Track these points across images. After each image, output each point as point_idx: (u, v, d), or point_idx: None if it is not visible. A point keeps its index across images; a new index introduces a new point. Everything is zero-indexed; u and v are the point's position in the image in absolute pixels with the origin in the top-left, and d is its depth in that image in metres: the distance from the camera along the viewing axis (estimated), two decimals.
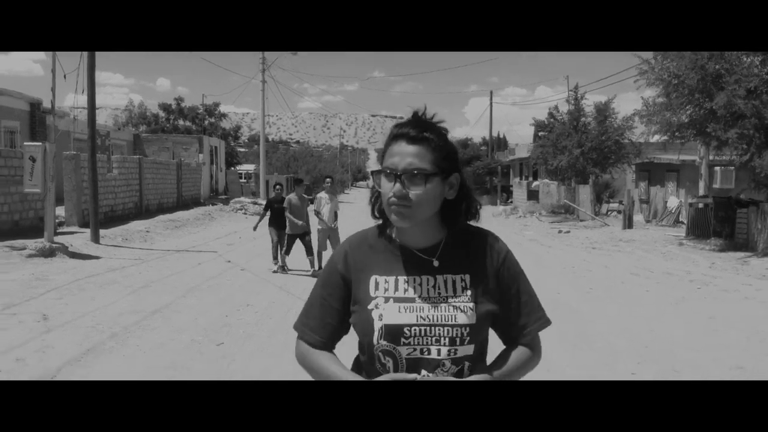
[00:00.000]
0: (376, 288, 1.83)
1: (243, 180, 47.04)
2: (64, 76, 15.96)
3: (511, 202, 44.03)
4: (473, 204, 1.89)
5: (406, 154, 1.75)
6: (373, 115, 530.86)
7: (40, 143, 13.37)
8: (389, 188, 1.76)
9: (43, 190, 13.20)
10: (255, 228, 13.73)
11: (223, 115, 48.85)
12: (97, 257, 13.83)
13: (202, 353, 6.86)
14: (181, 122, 46.85)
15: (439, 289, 1.81)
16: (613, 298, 10.26)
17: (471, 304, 1.80)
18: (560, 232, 22.57)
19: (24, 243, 13.10)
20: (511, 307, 1.87)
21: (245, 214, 30.58)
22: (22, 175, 15.29)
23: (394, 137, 1.80)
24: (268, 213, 13.08)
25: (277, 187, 13.36)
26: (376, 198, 1.89)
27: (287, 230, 12.45)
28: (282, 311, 9.01)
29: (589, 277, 12.46)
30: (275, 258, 12.89)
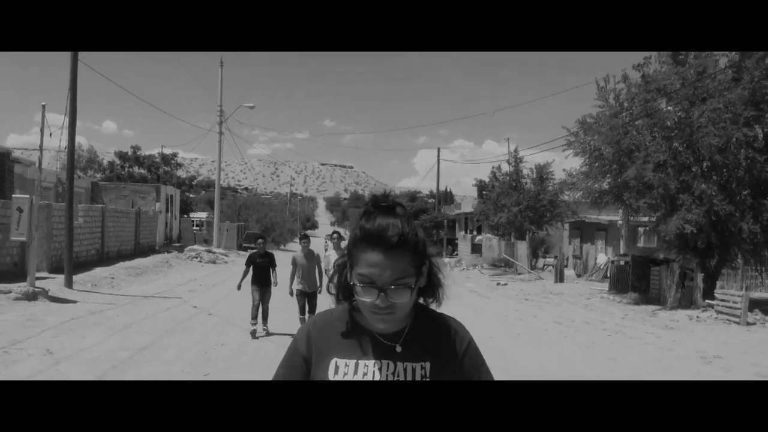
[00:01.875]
0: (336, 372, 1.80)
1: (196, 228, 48.08)
2: (50, 134, 17.20)
3: (457, 254, 46.10)
4: (441, 285, 1.86)
5: (386, 267, 1.67)
6: (322, 164, 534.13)
7: (28, 196, 14.64)
8: (370, 298, 1.71)
9: (28, 238, 14.42)
10: (239, 287, 12.20)
11: (179, 165, 50.06)
12: (74, 301, 15.01)
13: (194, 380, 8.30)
14: (137, 170, 47.82)
15: (398, 375, 1.78)
16: (536, 343, 12.03)
17: None
18: (498, 284, 24.54)
19: (9, 287, 14.25)
20: None
21: (201, 262, 31.73)
22: (2, 223, 16.47)
23: (367, 240, 1.70)
24: (251, 269, 11.97)
25: (260, 241, 12.49)
26: (339, 281, 1.86)
27: (300, 287, 11.19)
28: (252, 349, 10.48)
29: (518, 325, 14.26)
30: (254, 318, 11.68)
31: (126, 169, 47.04)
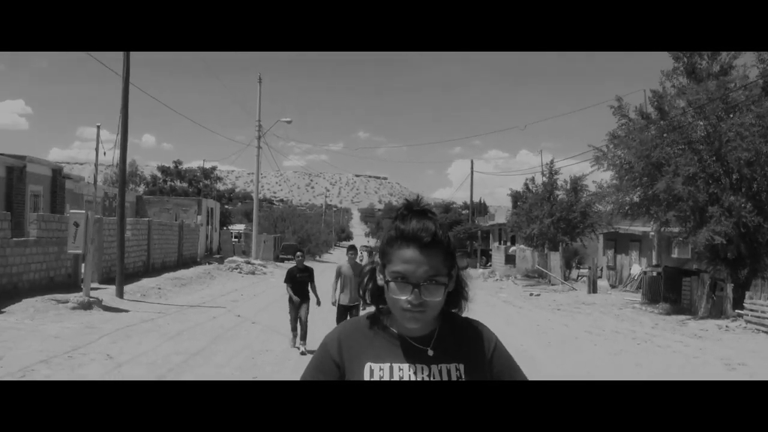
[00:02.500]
0: (371, 375, 1.82)
1: (234, 239, 49.22)
2: (104, 153, 18.28)
3: (490, 265, 46.44)
4: (466, 296, 1.92)
5: (421, 263, 1.74)
6: (357, 176, 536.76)
7: (84, 211, 15.60)
8: (404, 295, 1.76)
9: (84, 251, 15.36)
10: (290, 299, 11.69)
11: (219, 179, 51.38)
12: (126, 310, 15.90)
13: None
14: (178, 183, 49.24)
15: (433, 377, 1.81)
16: (566, 351, 12.52)
17: None
18: (531, 295, 24.96)
19: (66, 297, 15.19)
20: None
21: (240, 273, 32.69)
22: (58, 237, 17.49)
23: (403, 238, 1.78)
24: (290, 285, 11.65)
25: (298, 254, 12.07)
26: (368, 283, 1.91)
27: (340, 300, 10.83)
28: (297, 354, 11.17)
29: (549, 334, 14.74)
30: (294, 329, 11.69)
31: (168, 183, 48.48)
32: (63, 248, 17.48)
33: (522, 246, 38.35)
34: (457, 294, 1.90)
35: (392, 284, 1.77)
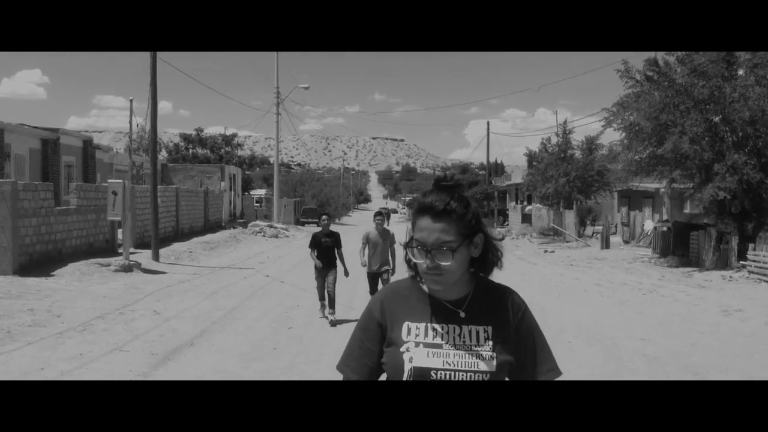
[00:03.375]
0: (408, 333, 2.01)
1: (256, 204, 50.37)
2: (137, 125, 19.14)
3: (507, 224, 47.24)
4: (497, 255, 2.09)
5: (433, 230, 1.94)
6: (374, 138, 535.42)
7: (121, 181, 16.62)
8: (421, 259, 1.97)
9: (123, 218, 16.42)
10: (316, 267, 11.05)
11: (239, 145, 52.32)
12: (163, 272, 17.00)
13: (281, 332, 10.03)
14: (199, 150, 50.27)
15: (464, 338, 1.99)
16: (574, 302, 13.44)
17: (492, 354, 1.98)
18: (546, 252, 25.84)
19: (108, 261, 16.31)
20: (527, 359, 2.06)
21: (264, 236, 33.82)
22: (96, 205, 18.56)
23: (421, 210, 1.98)
24: (315, 251, 11.02)
25: (324, 217, 11.32)
26: (407, 256, 2.08)
27: (369, 267, 10.70)
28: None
29: (561, 287, 15.64)
30: (322, 297, 11.15)
31: (190, 150, 49.54)
32: (101, 216, 18.57)
33: (538, 205, 39.09)
34: (484, 260, 2.07)
35: (414, 250, 1.99)
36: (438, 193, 1.98)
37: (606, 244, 25.68)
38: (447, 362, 1.97)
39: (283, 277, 17.13)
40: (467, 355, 1.97)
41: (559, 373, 2.09)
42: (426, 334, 2.01)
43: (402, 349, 2.00)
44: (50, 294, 12.53)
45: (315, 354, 8.68)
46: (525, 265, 20.91)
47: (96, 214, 18.58)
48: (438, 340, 1.99)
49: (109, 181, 17.22)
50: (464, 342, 1.99)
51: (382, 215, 11.06)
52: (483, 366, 1.96)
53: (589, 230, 32.68)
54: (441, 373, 1.96)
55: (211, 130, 54.94)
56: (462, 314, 2.02)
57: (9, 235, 13.89)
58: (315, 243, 10.99)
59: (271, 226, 37.24)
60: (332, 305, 10.84)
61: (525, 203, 45.62)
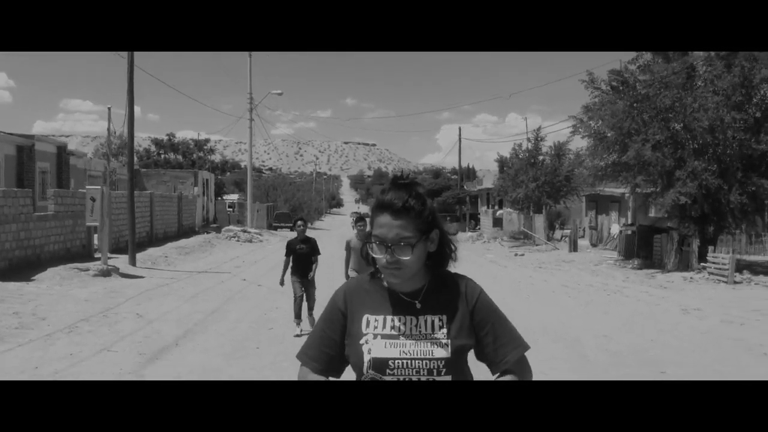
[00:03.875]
0: (367, 325, 2.13)
1: (229, 209, 50.46)
2: (115, 132, 19.36)
3: (479, 228, 47.96)
4: (451, 249, 2.19)
5: (392, 226, 2.04)
6: (345, 143, 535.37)
7: (99, 187, 16.86)
8: (381, 254, 2.07)
9: (101, 223, 16.65)
10: (281, 282, 10.64)
11: (212, 150, 52.38)
12: (141, 276, 17.25)
13: (261, 333, 10.41)
14: (171, 155, 50.25)
15: (420, 327, 2.09)
16: (542, 303, 14.00)
17: (446, 341, 2.07)
18: (516, 255, 26.49)
19: (87, 266, 16.51)
20: (489, 341, 2.13)
21: (238, 241, 34.02)
22: (73, 211, 18.74)
23: (380, 207, 2.08)
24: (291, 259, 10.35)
25: (299, 223, 10.51)
26: (366, 248, 2.15)
27: (353, 275, 9.33)
28: (305, 310, 12.57)
29: (530, 289, 16.22)
30: (298, 316, 10.35)
31: (162, 156, 49.50)
32: (78, 221, 18.75)
33: (509, 209, 39.83)
34: (440, 254, 2.18)
35: (374, 245, 2.09)
36: (396, 191, 2.08)
37: (574, 247, 26.42)
38: (404, 351, 2.06)
39: (260, 280, 17.46)
40: (423, 343, 2.07)
41: (527, 347, 2.17)
42: (384, 326, 2.11)
43: (361, 341, 2.11)
44: (33, 298, 12.75)
45: (296, 353, 9.06)
46: (496, 268, 21.50)
47: (73, 219, 18.77)
48: (395, 331, 2.10)
49: (87, 187, 17.45)
50: (420, 331, 2.09)
51: (364, 221, 9.86)
52: (438, 353, 2.06)
53: (558, 234, 33.46)
54: (398, 362, 2.06)
55: (182, 134, 55.14)
56: (418, 305, 2.12)
57: None
58: (290, 250, 10.27)
59: (245, 231, 37.43)
60: (311, 309, 10.38)
61: (496, 207, 46.38)
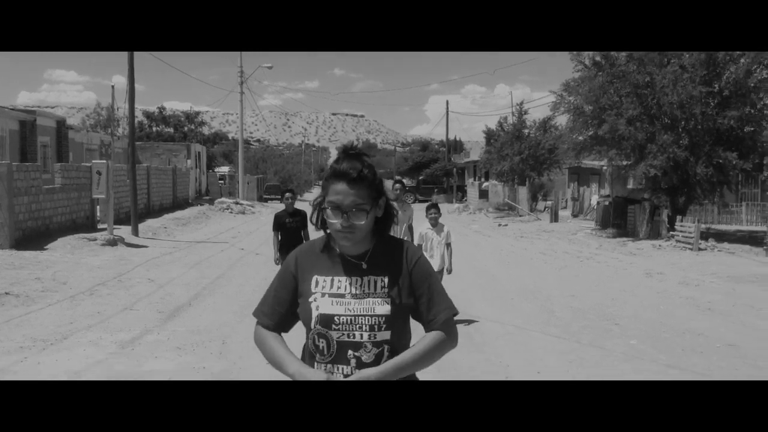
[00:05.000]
0: (316, 285, 2.33)
1: (220, 181, 51.35)
2: (117, 108, 20.27)
3: (466, 200, 49.18)
4: (394, 215, 2.44)
5: (348, 194, 2.23)
6: (334, 114, 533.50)
7: (104, 161, 17.84)
8: (336, 219, 2.25)
9: (107, 195, 17.66)
10: (276, 260, 9.98)
11: (203, 123, 53.10)
12: (145, 246, 18.31)
13: None
14: (163, 128, 50.99)
15: (363, 287, 2.30)
16: (520, 268, 15.20)
17: (387, 299, 2.28)
18: (500, 225, 27.73)
19: (94, 236, 17.56)
20: (423, 301, 2.34)
21: (231, 213, 35.01)
22: (77, 184, 19.71)
23: (335, 176, 2.26)
24: (279, 235, 9.76)
25: (287, 195, 9.81)
26: (318, 214, 2.37)
27: None
28: None
29: (510, 256, 17.41)
30: None
31: (153, 128, 50.26)
32: (83, 194, 19.73)
33: (494, 181, 41.02)
34: (386, 219, 2.40)
35: (328, 211, 2.26)
36: (350, 161, 2.28)
37: (555, 218, 27.68)
38: (348, 309, 2.27)
39: (257, 249, 18.52)
40: (366, 301, 2.27)
41: (456, 311, 2.39)
42: (331, 286, 2.32)
43: (310, 299, 2.31)
44: (50, 265, 13.81)
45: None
46: (480, 237, 22.70)
47: (78, 192, 19.73)
48: (341, 291, 2.30)
49: (93, 162, 18.43)
50: (363, 291, 2.29)
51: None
52: (379, 310, 2.26)
53: (541, 205, 34.70)
54: (343, 318, 2.26)
55: (169, 105, 55.62)
56: (364, 266, 2.32)
57: (6, 213, 15.07)
58: (278, 225, 9.64)
59: (237, 203, 38.40)
60: None
61: (482, 180, 47.54)
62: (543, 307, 10.45)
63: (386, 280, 2.31)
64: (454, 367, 6.63)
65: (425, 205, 9.95)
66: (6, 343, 7.72)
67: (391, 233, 6.96)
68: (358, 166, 2.27)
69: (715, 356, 7.42)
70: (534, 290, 11.99)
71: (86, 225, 20.25)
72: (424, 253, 8.30)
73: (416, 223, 9.43)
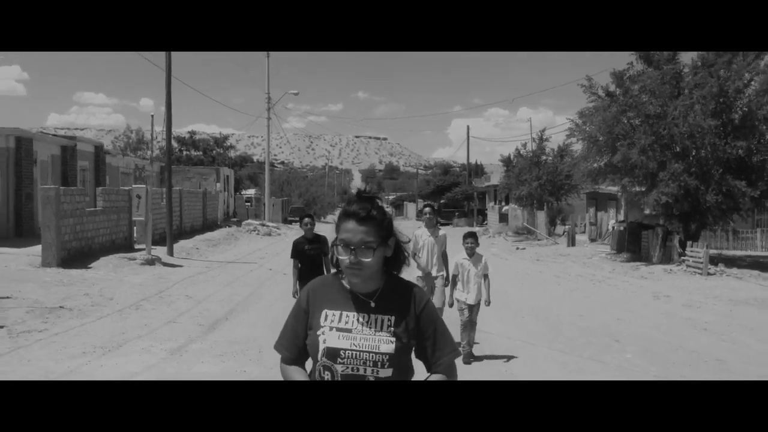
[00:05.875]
0: (325, 319, 2.44)
1: (247, 203, 52.72)
2: (156, 136, 21.49)
3: (486, 223, 49.97)
4: (405, 255, 2.54)
5: (357, 232, 2.36)
6: (357, 137, 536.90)
7: (144, 186, 19.02)
8: (345, 256, 2.37)
9: (146, 218, 18.82)
10: (294, 293, 9.24)
11: (231, 147, 54.65)
12: (180, 265, 19.40)
13: None
14: (192, 152, 52.60)
15: (371, 324, 2.40)
16: (534, 289, 16.03)
17: (392, 338, 2.37)
18: (517, 248, 28.55)
19: (134, 255, 18.71)
20: (429, 344, 2.47)
21: (258, 234, 36.20)
22: (117, 206, 20.92)
23: (346, 215, 2.40)
24: (298, 264, 9.04)
25: (306, 221, 9.06)
26: (332, 254, 2.47)
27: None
28: None
29: (525, 278, 18.25)
30: None
31: (183, 152, 51.85)
32: (121, 216, 20.94)
33: (513, 206, 41.84)
34: (396, 258, 2.52)
35: (339, 248, 2.40)
36: (361, 202, 2.42)
37: (572, 242, 28.42)
38: (354, 344, 2.37)
39: (285, 270, 19.44)
40: (371, 338, 2.38)
41: (459, 354, 2.65)
42: (339, 320, 2.43)
43: (319, 332, 2.43)
44: (95, 282, 14.91)
45: None
46: (497, 260, 23.53)
47: (117, 214, 20.94)
48: (349, 326, 2.41)
49: (133, 186, 19.60)
50: (370, 328, 2.40)
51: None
52: (383, 348, 2.37)
53: (560, 229, 35.43)
54: (348, 352, 2.36)
55: (195, 128, 57.10)
56: (372, 304, 2.43)
57: (53, 233, 16.24)
58: (297, 252, 8.96)
59: (264, 225, 39.59)
60: None
61: (503, 203, 48.38)
62: (551, 325, 11.29)
63: (393, 319, 2.43)
64: (459, 371, 7.51)
65: (462, 232, 9.70)
66: (69, 349, 8.75)
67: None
68: (367, 206, 2.41)
69: (703, 369, 8.24)
70: (545, 309, 12.83)
71: (125, 245, 21.42)
72: (459, 285, 8.66)
73: (450, 251, 9.25)
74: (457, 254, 8.81)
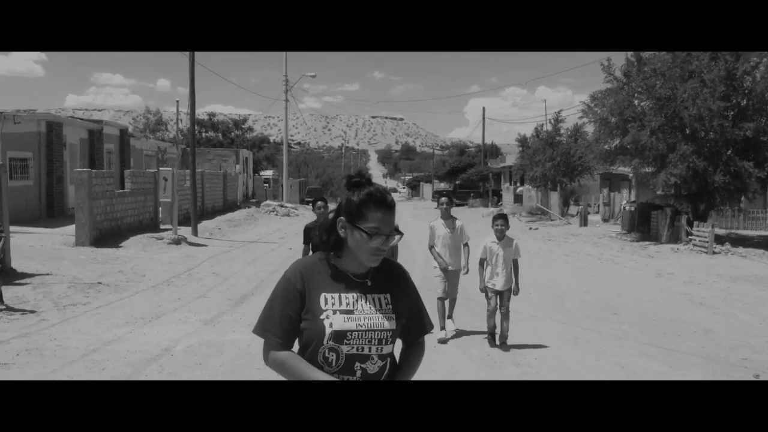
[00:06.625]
0: (326, 303, 2.43)
1: (265, 185, 53.65)
2: (180, 120, 22.36)
3: (501, 204, 50.56)
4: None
5: (390, 222, 2.42)
6: (373, 117, 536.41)
7: (170, 168, 19.89)
8: (377, 243, 2.40)
9: (172, 200, 19.71)
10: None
11: (250, 129, 55.55)
12: (205, 245, 20.31)
13: None
14: (212, 134, 53.54)
15: (370, 303, 2.45)
16: (542, 268, 16.73)
17: (392, 315, 2.47)
18: (530, 229, 29.23)
19: (161, 235, 19.63)
20: (413, 317, 2.61)
21: (277, 215, 37.07)
22: (143, 188, 21.83)
23: (376, 204, 2.41)
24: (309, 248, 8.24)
25: (319, 204, 8.43)
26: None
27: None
28: None
29: (535, 257, 18.93)
30: None
31: (203, 134, 52.81)
32: (147, 197, 21.87)
33: (528, 186, 42.41)
34: None
35: (365, 235, 2.41)
36: (380, 189, 2.45)
37: (584, 222, 29.03)
38: (359, 324, 2.41)
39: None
40: (374, 317, 2.44)
41: (432, 327, 2.73)
42: (340, 303, 2.44)
43: (322, 316, 2.41)
44: (127, 260, 15.83)
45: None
46: None
47: (144, 196, 21.87)
48: (350, 307, 2.44)
49: (160, 168, 20.49)
50: (371, 307, 2.46)
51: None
52: (387, 325, 2.45)
53: (573, 210, 36.00)
54: (355, 333, 2.40)
55: (212, 108, 57.97)
56: (369, 283, 2.50)
57: (87, 214, 17.17)
58: (309, 238, 8.29)
59: (282, 206, 40.45)
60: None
61: (518, 184, 48.92)
62: (556, 300, 12.04)
63: (388, 297, 2.52)
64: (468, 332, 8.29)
65: (491, 214, 8.91)
66: (114, 320, 9.64)
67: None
68: (391, 196, 2.49)
69: (690, 338, 8.97)
70: (551, 286, 13.57)
71: (151, 225, 22.36)
72: (488, 269, 8.30)
73: (477, 237, 9.17)
74: (486, 237, 8.46)
